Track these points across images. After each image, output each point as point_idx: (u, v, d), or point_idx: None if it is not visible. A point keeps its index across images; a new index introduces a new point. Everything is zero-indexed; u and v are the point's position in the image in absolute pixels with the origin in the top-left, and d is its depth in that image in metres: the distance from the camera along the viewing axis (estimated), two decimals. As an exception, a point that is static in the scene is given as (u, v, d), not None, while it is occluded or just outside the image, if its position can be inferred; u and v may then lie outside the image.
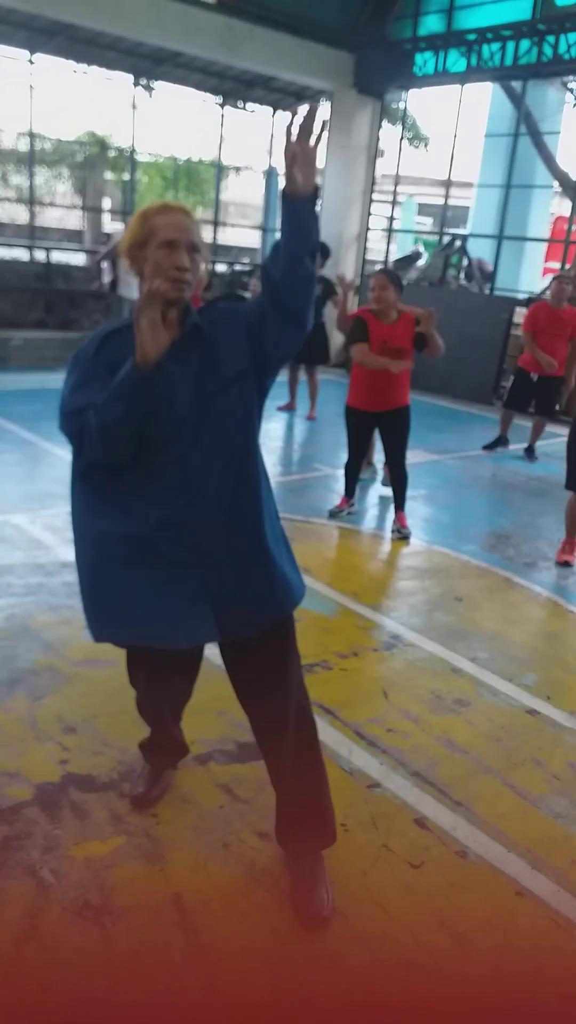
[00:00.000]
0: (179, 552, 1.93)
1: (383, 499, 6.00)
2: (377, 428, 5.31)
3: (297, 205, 1.79)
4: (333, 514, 5.44)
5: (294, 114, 1.75)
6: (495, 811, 2.59)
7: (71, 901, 2.08)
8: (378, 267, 12.83)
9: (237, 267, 12.87)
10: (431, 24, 10.85)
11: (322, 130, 1.76)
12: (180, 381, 1.92)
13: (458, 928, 2.12)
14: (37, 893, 2.10)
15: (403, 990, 1.95)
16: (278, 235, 1.85)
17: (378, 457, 6.47)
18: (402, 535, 5.14)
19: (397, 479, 5.26)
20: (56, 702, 2.96)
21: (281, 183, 1.82)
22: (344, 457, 5.43)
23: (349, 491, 5.49)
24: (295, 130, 1.74)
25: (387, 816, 2.51)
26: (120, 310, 9.81)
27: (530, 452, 7.70)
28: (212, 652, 2.25)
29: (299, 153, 1.75)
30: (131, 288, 9.61)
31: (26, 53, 10.74)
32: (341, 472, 5.60)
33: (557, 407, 7.66)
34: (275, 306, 1.89)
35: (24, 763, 2.61)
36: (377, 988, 1.95)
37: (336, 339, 11.42)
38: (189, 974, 1.92)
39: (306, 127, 1.74)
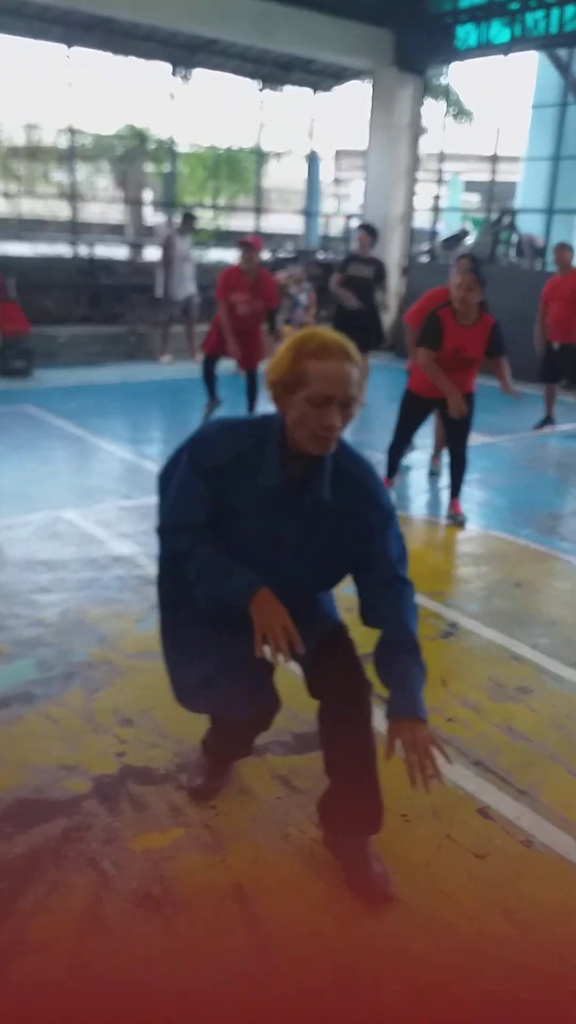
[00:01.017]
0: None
1: (435, 485, 5.91)
2: (439, 413, 5.18)
3: None
4: None
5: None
6: (561, 799, 2.52)
7: (132, 892, 2.09)
8: (425, 246, 12.65)
9: (281, 255, 12.78)
10: (472, -6, 10.59)
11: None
12: (284, 535, 1.92)
13: (524, 917, 2.07)
14: (98, 885, 2.10)
15: (468, 978, 1.92)
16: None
17: (425, 443, 6.37)
18: (457, 521, 5.04)
19: (456, 465, 5.08)
20: (112, 695, 2.98)
21: None
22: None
23: (391, 471, 5.37)
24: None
25: (449, 806, 2.46)
26: (169, 309, 9.85)
27: (585, 430, 7.53)
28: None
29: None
30: (183, 288, 9.65)
31: (64, 47, 10.81)
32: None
33: None
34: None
35: (82, 756, 2.62)
36: (442, 976, 1.92)
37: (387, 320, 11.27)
38: (253, 963, 1.91)
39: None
